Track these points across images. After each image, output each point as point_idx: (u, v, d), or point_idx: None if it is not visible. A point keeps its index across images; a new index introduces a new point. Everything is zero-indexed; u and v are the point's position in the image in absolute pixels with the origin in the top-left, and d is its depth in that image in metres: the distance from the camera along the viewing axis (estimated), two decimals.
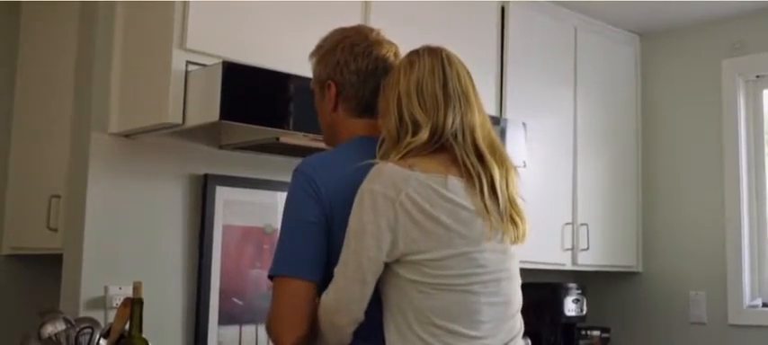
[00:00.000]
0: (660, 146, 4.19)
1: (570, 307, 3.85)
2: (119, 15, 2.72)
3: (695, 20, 4.03)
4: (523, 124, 3.30)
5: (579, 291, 3.91)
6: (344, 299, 1.59)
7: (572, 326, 3.92)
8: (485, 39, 3.47)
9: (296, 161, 2.93)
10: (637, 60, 4.26)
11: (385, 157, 1.64)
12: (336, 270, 1.61)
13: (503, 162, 1.68)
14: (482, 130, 1.68)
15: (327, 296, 1.61)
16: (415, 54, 1.72)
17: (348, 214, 1.61)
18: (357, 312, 1.60)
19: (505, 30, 3.56)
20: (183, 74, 2.48)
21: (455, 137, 1.64)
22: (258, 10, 2.67)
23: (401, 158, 1.61)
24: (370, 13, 2.93)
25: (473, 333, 1.58)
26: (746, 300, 3.86)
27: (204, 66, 2.49)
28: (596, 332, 4.00)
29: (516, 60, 3.57)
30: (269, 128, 2.55)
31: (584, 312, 3.94)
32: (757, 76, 3.97)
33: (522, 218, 1.67)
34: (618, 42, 4.18)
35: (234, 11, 2.60)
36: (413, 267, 1.57)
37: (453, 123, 1.65)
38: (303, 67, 2.52)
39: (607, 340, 4.03)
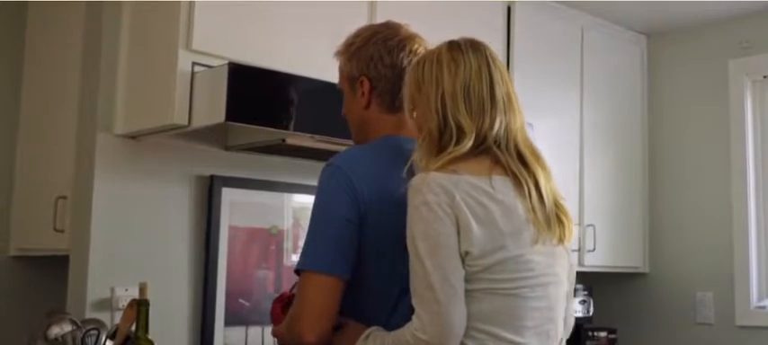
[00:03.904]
0: (667, 147, 4.17)
1: (577, 308, 3.84)
2: (125, 16, 2.73)
3: (702, 20, 4.02)
4: (530, 124, 3.25)
5: (586, 292, 3.91)
6: (447, 322, 1.48)
7: (579, 327, 3.91)
8: (491, 39, 3.37)
9: (302, 162, 2.98)
10: (643, 60, 4.25)
11: (426, 158, 1.59)
12: (420, 299, 1.50)
13: (543, 165, 1.65)
14: (522, 134, 1.65)
15: (424, 331, 1.48)
16: (457, 50, 1.66)
17: (382, 216, 1.60)
18: (462, 327, 1.50)
19: (511, 31, 3.55)
20: (189, 75, 2.48)
21: (498, 143, 1.60)
22: (264, 11, 2.66)
23: (442, 165, 1.55)
24: (375, 13, 2.92)
25: (517, 339, 1.54)
26: (754, 301, 3.84)
27: (210, 67, 2.49)
28: (603, 333, 3.99)
29: (522, 60, 3.56)
30: (275, 130, 2.55)
31: (591, 313, 3.93)
32: (764, 76, 3.95)
33: (567, 217, 1.63)
34: (625, 42, 4.17)
35: (240, 12, 2.60)
36: (465, 272, 1.51)
37: (498, 130, 1.61)
38: (309, 69, 2.54)
39: (614, 340, 4.02)
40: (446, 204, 1.50)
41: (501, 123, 1.61)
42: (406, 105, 1.69)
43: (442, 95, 1.61)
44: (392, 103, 1.78)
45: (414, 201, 1.53)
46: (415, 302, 1.51)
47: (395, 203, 1.62)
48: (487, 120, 1.60)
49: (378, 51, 1.78)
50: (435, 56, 1.66)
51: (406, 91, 1.69)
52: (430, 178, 1.53)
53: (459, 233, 1.50)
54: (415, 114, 1.66)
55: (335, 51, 1.87)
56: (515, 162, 1.60)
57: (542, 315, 1.58)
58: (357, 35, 1.84)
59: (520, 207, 1.56)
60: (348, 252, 1.61)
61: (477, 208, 1.52)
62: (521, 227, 1.56)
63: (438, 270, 1.48)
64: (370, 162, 1.68)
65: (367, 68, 1.79)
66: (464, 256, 1.51)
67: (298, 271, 1.64)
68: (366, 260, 1.63)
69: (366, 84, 1.79)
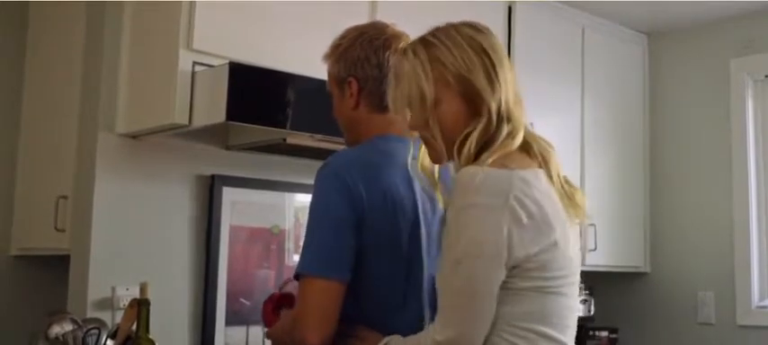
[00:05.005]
0: (668, 146, 4.17)
1: (578, 308, 3.84)
2: (126, 16, 2.73)
3: (704, 19, 4.01)
4: (531, 124, 3.27)
5: (587, 291, 3.90)
6: (470, 329, 1.42)
7: (580, 327, 3.90)
8: None
9: (303, 162, 2.97)
10: (645, 60, 4.25)
11: (468, 152, 1.49)
12: (448, 303, 1.45)
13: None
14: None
15: (444, 334, 1.43)
16: (483, 34, 1.60)
17: (379, 216, 1.59)
18: (482, 338, 1.44)
19: (512, 30, 3.55)
20: (190, 74, 2.49)
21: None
22: (265, 10, 2.67)
23: (492, 161, 1.45)
24: (376, 13, 2.92)
25: (563, 339, 1.50)
26: (755, 300, 3.84)
27: (211, 66, 2.49)
28: (604, 333, 3.99)
29: (523, 60, 3.56)
30: (276, 129, 2.55)
31: (592, 312, 3.93)
32: (766, 76, 3.94)
33: (578, 191, 1.56)
34: (626, 42, 4.17)
35: (241, 11, 2.60)
36: (518, 273, 1.43)
37: (526, 120, 1.58)
38: (310, 68, 2.54)
39: (615, 340, 4.02)
40: (499, 207, 1.39)
41: (525, 114, 1.59)
42: (432, 95, 1.55)
43: (500, 82, 1.54)
44: (380, 103, 1.77)
45: (461, 201, 1.43)
46: (441, 302, 1.47)
47: (392, 203, 1.62)
48: (521, 110, 1.57)
49: (364, 51, 1.79)
50: (464, 40, 1.58)
51: (431, 80, 1.55)
52: (483, 175, 1.41)
53: (512, 235, 1.40)
54: (442, 108, 1.54)
55: (323, 55, 1.87)
56: (542, 143, 1.55)
57: (574, 315, 1.56)
58: (344, 36, 1.85)
59: (556, 196, 1.50)
60: (347, 254, 1.61)
61: (531, 207, 1.42)
62: (564, 219, 1.49)
63: (472, 279, 1.41)
64: (365, 163, 1.68)
65: (354, 69, 1.79)
66: (520, 258, 1.41)
67: (297, 276, 1.63)
68: (365, 262, 1.63)
69: (354, 85, 1.79)
